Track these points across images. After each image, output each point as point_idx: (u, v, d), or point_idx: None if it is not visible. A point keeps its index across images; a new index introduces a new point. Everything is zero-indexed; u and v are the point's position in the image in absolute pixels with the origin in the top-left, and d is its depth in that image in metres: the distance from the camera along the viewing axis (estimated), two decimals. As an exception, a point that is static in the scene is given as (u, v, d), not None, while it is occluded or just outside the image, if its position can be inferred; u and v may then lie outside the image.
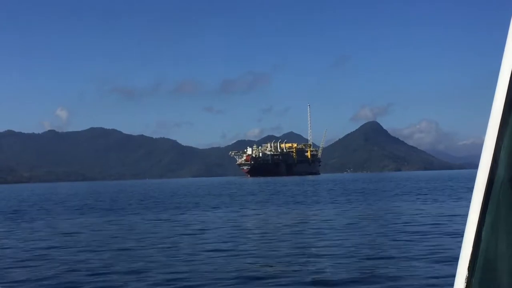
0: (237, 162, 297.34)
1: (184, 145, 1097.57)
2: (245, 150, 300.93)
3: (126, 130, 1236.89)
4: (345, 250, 21.95)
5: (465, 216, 2.36)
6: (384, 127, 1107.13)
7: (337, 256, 20.62)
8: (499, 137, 2.22)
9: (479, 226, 2.28)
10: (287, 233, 29.00)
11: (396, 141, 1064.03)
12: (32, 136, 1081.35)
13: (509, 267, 2.26)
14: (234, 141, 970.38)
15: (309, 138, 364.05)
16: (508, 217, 2.25)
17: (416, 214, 37.82)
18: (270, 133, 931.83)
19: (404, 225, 30.63)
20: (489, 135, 2.24)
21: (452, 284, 2.38)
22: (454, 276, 2.38)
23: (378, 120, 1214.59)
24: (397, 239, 25.27)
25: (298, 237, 27.29)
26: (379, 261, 19.31)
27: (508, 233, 2.26)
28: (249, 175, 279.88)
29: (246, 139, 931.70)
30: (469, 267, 2.31)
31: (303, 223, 34.35)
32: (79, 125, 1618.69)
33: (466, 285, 2.32)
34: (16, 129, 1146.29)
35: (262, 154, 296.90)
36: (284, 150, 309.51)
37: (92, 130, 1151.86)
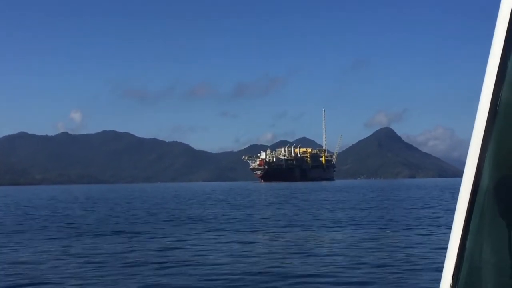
0: (251, 167, 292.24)
1: (197, 149, 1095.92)
2: (259, 155, 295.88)
3: (139, 134, 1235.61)
4: None
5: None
6: (398, 133, 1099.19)
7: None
8: (483, 146, 2.23)
9: (464, 235, 2.29)
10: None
11: (410, 147, 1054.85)
12: (45, 138, 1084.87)
13: (493, 275, 2.27)
14: (247, 146, 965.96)
15: (323, 143, 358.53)
16: (492, 226, 2.27)
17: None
18: (283, 138, 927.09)
19: None
20: (473, 144, 2.26)
21: None
22: (438, 284, 2.36)
23: (392, 126, 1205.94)
24: None
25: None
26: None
27: (492, 242, 2.27)
28: (262, 180, 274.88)
29: (259, 144, 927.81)
30: (453, 275, 2.31)
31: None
32: (92, 127, 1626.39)
33: None
34: (29, 131, 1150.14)
35: (275, 159, 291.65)
36: (298, 155, 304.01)
37: (105, 133, 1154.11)
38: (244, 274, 17.55)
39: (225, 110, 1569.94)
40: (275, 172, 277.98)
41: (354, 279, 16.68)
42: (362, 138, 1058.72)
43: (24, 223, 40.41)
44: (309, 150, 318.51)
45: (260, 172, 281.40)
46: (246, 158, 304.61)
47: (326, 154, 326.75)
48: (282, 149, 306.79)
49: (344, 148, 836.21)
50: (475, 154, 2.25)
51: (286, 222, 37.05)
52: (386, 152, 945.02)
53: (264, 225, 35.35)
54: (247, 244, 25.69)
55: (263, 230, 31.99)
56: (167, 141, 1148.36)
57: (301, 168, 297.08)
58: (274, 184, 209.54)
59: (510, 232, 2.21)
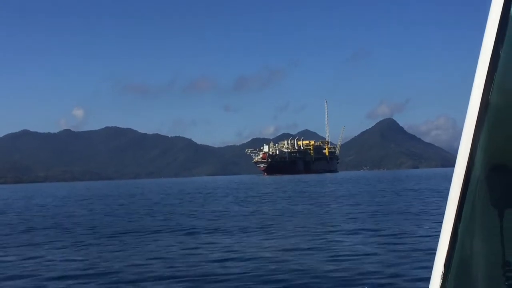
0: (254, 160, 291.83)
1: (199, 143, 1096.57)
2: (262, 148, 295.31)
3: (141, 129, 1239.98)
4: None
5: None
6: (401, 124, 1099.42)
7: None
8: (475, 135, 2.26)
9: (456, 223, 2.32)
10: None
11: (412, 138, 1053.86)
12: (48, 136, 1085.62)
13: (484, 263, 2.32)
14: (250, 139, 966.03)
15: (326, 135, 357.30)
16: (483, 215, 2.30)
17: None
18: (285, 131, 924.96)
19: None
20: (466, 133, 2.28)
21: (429, 280, 2.43)
22: (430, 272, 2.40)
23: (395, 117, 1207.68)
24: None
25: None
26: None
27: (483, 231, 2.32)
28: (266, 173, 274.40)
29: (261, 137, 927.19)
30: (445, 263, 2.35)
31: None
32: (95, 124, 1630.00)
33: (442, 281, 2.36)
34: (32, 128, 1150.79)
35: (279, 152, 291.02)
36: (302, 148, 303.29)
37: (107, 129, 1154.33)
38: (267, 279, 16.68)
39: (227, 104, 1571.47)
40: (278, 165, 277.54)
41: (352, 276, 16.14)
42: (365, 129, 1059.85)
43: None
44: (312, 142, 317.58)
45: (264, 165, 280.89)
46: (249, 151, 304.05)
47: (329, 146, 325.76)
48: (285, 142, 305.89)
49: (347, 140, 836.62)
50: (467, 143, 2.27)
51: (303, 219, 36.12)
52: (389, 143, 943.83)
53: (278, 221, 34.66)
54: (265, 240, 25.23)
55: (279, 226, 31.35)
56: (169, 136, 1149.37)
57: (305, 161, 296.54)
58: (278, 177, 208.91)
59: (501, 221, 2.25)
